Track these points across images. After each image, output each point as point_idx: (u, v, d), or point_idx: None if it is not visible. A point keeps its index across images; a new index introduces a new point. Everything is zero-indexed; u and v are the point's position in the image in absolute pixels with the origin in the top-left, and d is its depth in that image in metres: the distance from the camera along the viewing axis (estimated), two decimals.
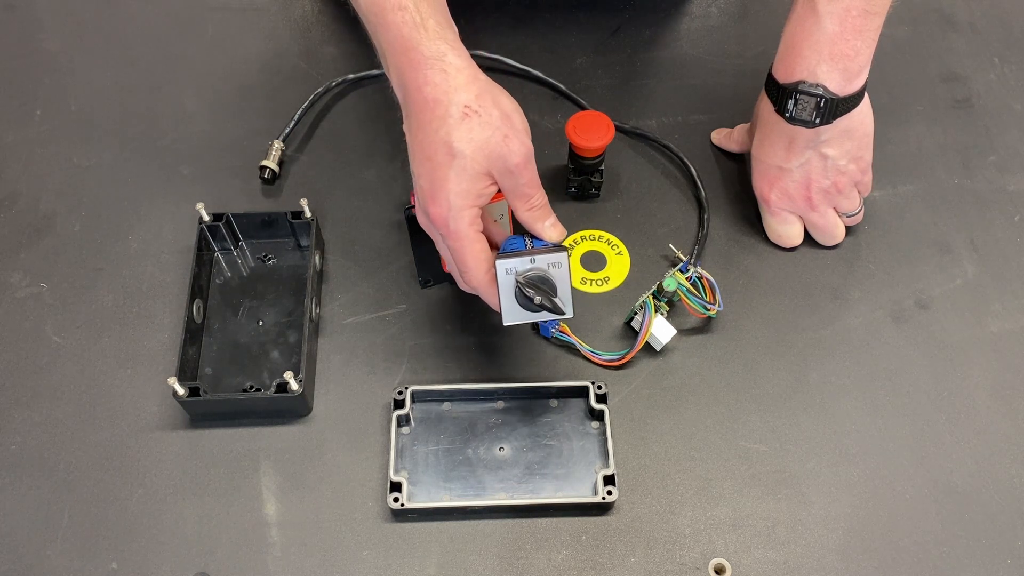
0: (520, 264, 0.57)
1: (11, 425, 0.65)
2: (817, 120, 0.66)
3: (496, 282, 0.57)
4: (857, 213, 0.74)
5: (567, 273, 0.57)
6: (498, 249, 0.59)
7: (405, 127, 0.58)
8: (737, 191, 0.78)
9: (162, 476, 0.63)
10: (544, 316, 0.57)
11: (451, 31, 0.57)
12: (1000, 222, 0.77)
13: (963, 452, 0.65)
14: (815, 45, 0.64)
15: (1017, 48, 0.89)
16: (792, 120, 0.67)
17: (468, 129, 0.54)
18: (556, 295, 0.57)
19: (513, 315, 0.58)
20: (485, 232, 0.58)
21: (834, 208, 0.72)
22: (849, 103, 0.66)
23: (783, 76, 0.67)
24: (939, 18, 0.91)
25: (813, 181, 0.70)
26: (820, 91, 0.65)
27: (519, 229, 0.61)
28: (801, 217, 0.73)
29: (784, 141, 0.69)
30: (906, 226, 0.76)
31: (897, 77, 0.86)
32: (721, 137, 0.80)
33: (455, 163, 0.54)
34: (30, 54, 0.87)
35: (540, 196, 0.58)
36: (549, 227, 0.59)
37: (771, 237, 0.74)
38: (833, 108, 0.65)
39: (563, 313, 0.57)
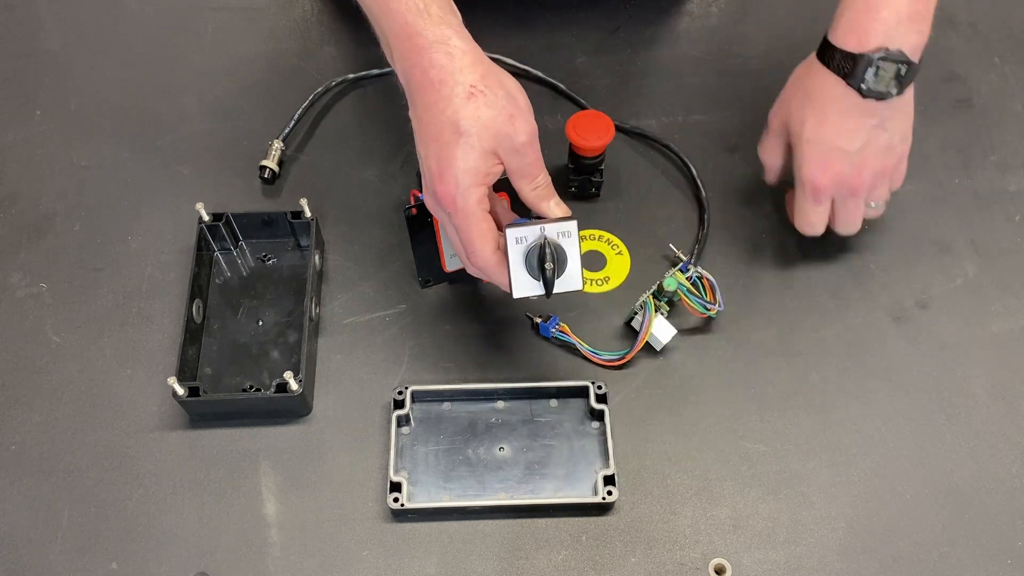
0: (531, 232, 0.56)
1: (11, 425, 0.65)
2: (895, 91, 0.61)
3: (503, 262, 0.57)
4: (882, 203, 0.70)
5: (577, 242, 0.57)
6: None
7: (411, 112, 0.58)
8: (737, 191, 0.78)
9: (162, 476, 0.63)
10: (555, 287, 0.57)
11: (454, 16, 0.58)
12: (1000, 222, 0.77)
13: (963, 452, 0.65)
14: (893, 4, 0.60)
15: (1017, 48, 0.88)
16: (868, 93, 0.61)
17: (475, 108, 0.54)
18: (567, 265, 0.57)
19: (523, 287, 0.57)
20: (491, 213, 0.58)
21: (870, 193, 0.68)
22: (918, 69, 0.62)
23: (856, 43, 0.61)
24: (939, 18, 0.89)
25: (868, 163, 0.65)
26: (902, 57, 0.60)
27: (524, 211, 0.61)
28: (837, 201, 0.68)
29: (852, 118, 0.63)
30: (906, 226, 0.76)
31: None
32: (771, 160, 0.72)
33: (462, 141, 0.54)
34: (30, 54, 0.87)
35: (544, 176, 0.58)
36: (554, 206, 0.59)
37: (801, 225, 0.70)
38: (911, 76, 0.61)
39: (574, 284, 0.57)
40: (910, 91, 0.64)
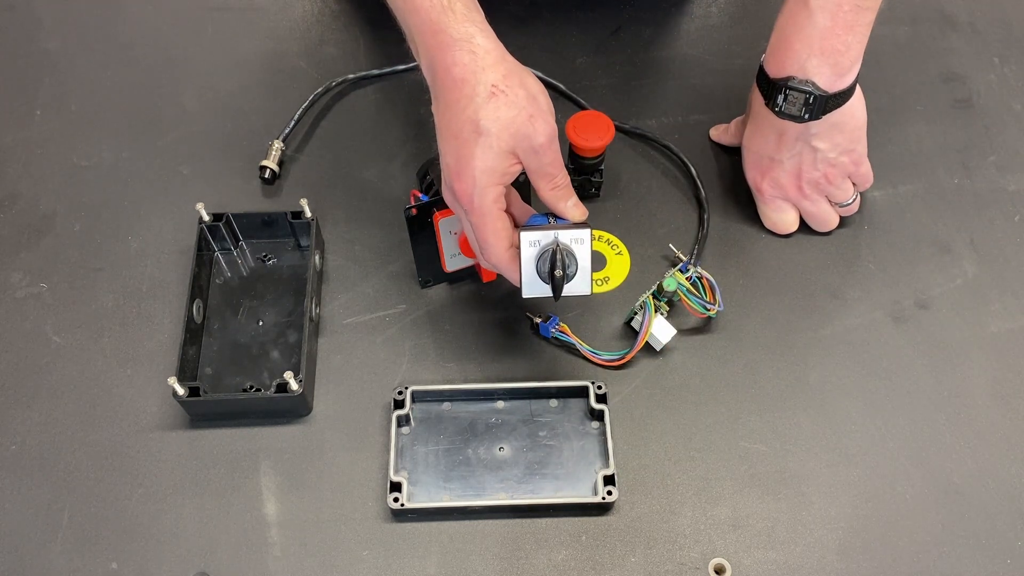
0: (544, 237, 0.58)
1: (11, 425, 0.65)
2: (806, 116, 0.66)
3: (516, 260, 0.58)
4: (851, 203, 0.74)
5: (588, 250, 0.58)
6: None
7: (433, 107, 0.59)
8: (737, 191, 0.78)
9: (162, 476, 0.63)
10: (563, 291, 0.58)
11: (478, 13, 0.58)
12: (1000, 222, 0.77)
13: (963, 452, 0.65)
14: (806, 40, 0.64)
15: (1017, 48, 0.88)
16: (781, 115, 0.67)
17: (495, 108, 0.55)
18: (577, 270, 0.58)
19: (533, 288, 0.59)
20: (508, 212, 0.59)
21: (827, 197, 0.73)
22: (839, 99, 0.66)
23: (773, 70, 0.66)
24: (939, 18, 0.91)
25: (804, 172, 0.71)
26: (809, 87, 0.64)
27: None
28: (794, 205, 0.74)
29: (775, 133, 0.69)
30: (906, 226, 0.76)
31: (897, 77, 0.86)
32: (719, 132, 0.81)
33: (481, 140, 0.55)
34: (30, 54, 0.87)
35: (563, 176, 0.59)
36: (572, 206, 0.60)
37: (766, 224, 0.75)
38: (823, 104, 0.65)
39: (583, 289, 0.59)
40: (852, 108, 0.67)
